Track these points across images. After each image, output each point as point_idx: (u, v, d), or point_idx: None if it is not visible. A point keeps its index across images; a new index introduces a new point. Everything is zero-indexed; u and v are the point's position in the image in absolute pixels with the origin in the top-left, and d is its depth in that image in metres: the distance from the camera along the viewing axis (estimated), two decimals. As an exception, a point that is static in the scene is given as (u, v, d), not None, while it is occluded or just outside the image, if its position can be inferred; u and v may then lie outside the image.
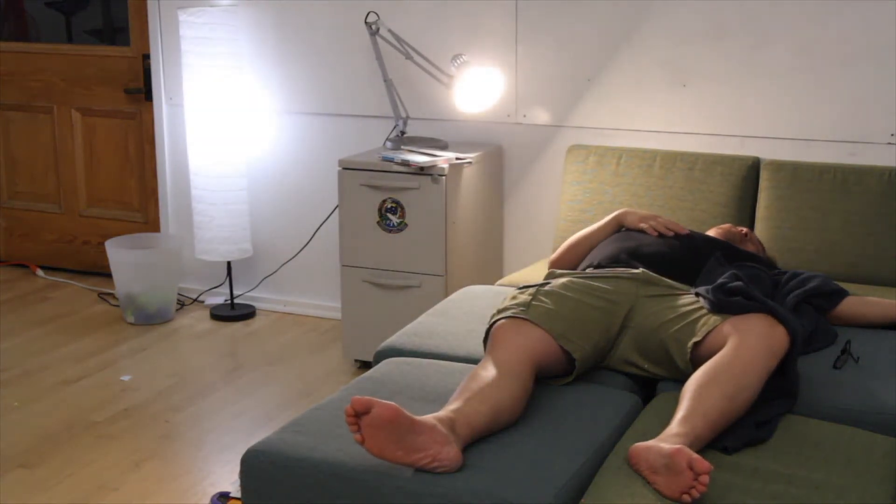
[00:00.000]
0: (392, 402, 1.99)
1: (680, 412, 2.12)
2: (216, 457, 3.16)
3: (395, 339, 2.77)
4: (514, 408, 2.22)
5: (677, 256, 2.75)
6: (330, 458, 2.08)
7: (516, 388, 2.24)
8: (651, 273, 2.61)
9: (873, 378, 2.41)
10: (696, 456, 1.89)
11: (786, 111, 3.53)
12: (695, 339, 2.37)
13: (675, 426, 2.08)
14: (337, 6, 4.06)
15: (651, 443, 2.01)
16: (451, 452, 2.00)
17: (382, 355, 2.71)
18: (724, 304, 2.42)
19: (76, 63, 4.76)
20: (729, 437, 2.14)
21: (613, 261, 2.73)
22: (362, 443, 1.98)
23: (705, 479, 1.86)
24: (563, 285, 2.57)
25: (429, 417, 2.05)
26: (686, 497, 1.87)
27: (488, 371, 2.25)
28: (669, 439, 2.01)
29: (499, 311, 2.50)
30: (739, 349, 2.24)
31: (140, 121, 4.65)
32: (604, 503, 1.91)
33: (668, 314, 2.48)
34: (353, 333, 3.76)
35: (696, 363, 2.32)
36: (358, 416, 1.98)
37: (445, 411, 2.11)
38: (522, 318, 2.43)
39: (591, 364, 2.50)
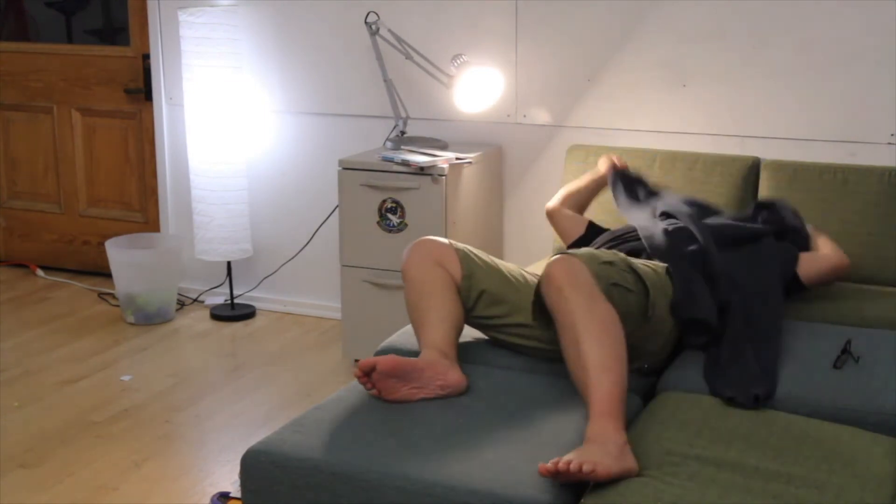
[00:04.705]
0: (391, 355, 2.29)
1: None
2: (216, 457, 3.16)
3: (395, 339, 2.77)
4: (460, 307, 2.52)
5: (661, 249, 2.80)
6: (330, 458, 2.08)
7: (449, 294, 2.49)
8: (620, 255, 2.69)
9: (873, 378, 2.41)
10: (553, 468, 1.92)
11: (786, 111, 3.53)
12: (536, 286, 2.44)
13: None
14: (337, 6, 4.06)
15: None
16: (454, 376, 2.33)
17: (382, 355, 2.70)
18: None
19: (76, 63, 4.77)
20: (732, 388, 2.30)
21: None
22: (378, 394, 2.28)
23: (561, 468, 1.90)
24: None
25: (425, 356, 2.35)
26: (603, 476, 1.92)
27: (423, 296, 2.49)
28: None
29: None
30: (554, 318, 2.27)
31: (140, 121, 4.65)
32: (604, 503, 1.91)
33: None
34: (353, 333, 3.77)
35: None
36: (367, 374, 2.26)
37: (430, 349, 2.38)
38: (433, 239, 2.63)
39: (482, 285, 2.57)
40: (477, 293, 2.56)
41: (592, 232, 3.21)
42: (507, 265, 2.69)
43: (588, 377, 2.13)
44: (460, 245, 2.62)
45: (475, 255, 2.62)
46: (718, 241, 2.85)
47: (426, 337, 2.44)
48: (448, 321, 2.47)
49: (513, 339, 2.61)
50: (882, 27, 3.36)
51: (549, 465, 1.93)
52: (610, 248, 2.90)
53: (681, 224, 2.91)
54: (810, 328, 2.75)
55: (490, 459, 2.05)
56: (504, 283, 2.60)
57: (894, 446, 2.13)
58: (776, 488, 1.92)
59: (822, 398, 2.34)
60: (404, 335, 2.79)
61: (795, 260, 2.92)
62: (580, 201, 3.39)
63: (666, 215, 3.02)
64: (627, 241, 2.93)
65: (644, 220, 3.01)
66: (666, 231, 2.86)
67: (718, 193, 3.43)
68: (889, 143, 3.42)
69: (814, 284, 2.95)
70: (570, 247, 3.20)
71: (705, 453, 2.04)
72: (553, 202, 3.37)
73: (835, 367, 2.47)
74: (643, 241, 2.83)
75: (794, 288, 2.90)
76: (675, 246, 2.78)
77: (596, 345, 2.16)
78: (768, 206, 3.12)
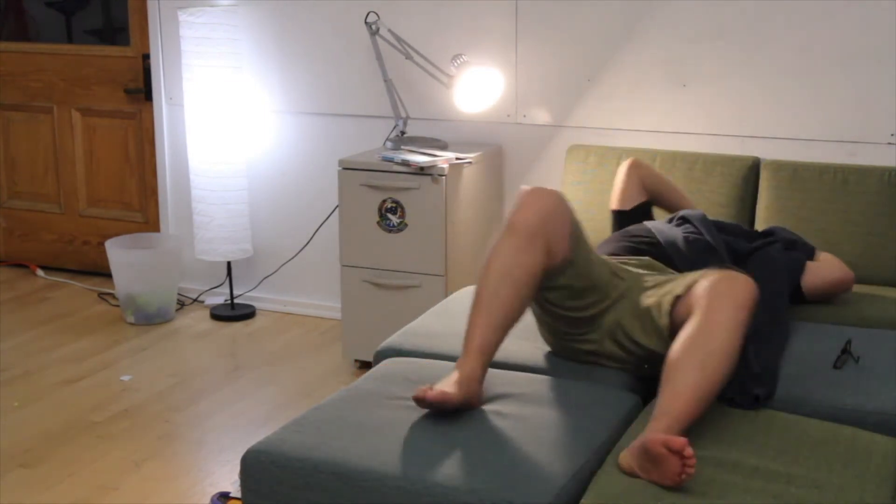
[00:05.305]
0: (454, 396, 2.18)
1: (657, 399, 2.14)
2: (216, 457, 3.16)
3: (394, 339, 2.77)
4: (528, 305, 2.37)
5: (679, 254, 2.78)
6: (330, 458, 2.08)
7: (527, 291, 2.33)
8: (655, 261, 2.65)
9: (873, 378, 2.41)
10: (667, 437, 1.91)
11: (786, 111, 3.53)
12: (677, 293, 2.36)
13: (652, 417, 2.10)
14: (337, 6, 4.06)
15: (632, 444, 2.03)
16: (476, 404, 2.26)
17: (382, 355, 2.71)
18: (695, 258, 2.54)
19: (76, 63, 4.76)
20: (732, 388, 2.25)
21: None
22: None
23: (689, 452, 1.88)
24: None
25: (467, 391, 2.21)
26: (684, 477, 1.89)
27: (503, 280, 2.30)
28: (648, 431, 2.03)
29: None
30: (702, 313, 2.22)
31: (140, 121, 4.65)
32: (604, 503, 1.91)
33: (658, 280, 2.51)
34: (353, 333, 3.76)
35: (676, 322, 2.32)
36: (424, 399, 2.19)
37: (475, 365, 2.24)
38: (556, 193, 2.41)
39: (579, 280, 2.46)
40: (563, 283, 2.44)
41: (639, 213, 3.13)
42: (601, 259, 2.57)
43: (691, 395, 2.10)
44: (579, 228, 2.45)
45: (586, 242, 2.48)
46: (731, 252, 2.86)
47: (477, 340, 2.28)
48: (508, 326, 2.32)
49: (558, 324, 2.55)
50: (882, 27, 3.36)
51: (680, 442, 1.89)
52: (624, 245, 2.86)
53: (698, 234, 2.89)
54: (810, 328, 2.75)
55: (490, 460, 2.05)
56: (591, 283, 2.48)
57: (894, 446, 2.13)
58: (776, 488, 1.92)
59: (822, 398, 2.34)
60: (404, 335, 2.79)
61: (803, 267, 2.93)
62: (658, 192, 3.26)
63: (683, 220, 3.00)
64: (641, 242, 2.89)
65: (660, 224, 2.98)
66: (686, 239, 2.85)
67: (718, 193, 3.43)
68: (889, 143, 3.42)
69: (816, 295, 2.96)
70: (616, 209, 3.19)
71: (705, 453, 2.04)
72: (646, 164, 3.29)
73: (835, 367, 2.47)
74: (664, 245, 2.80)
75: (796, 298, 2.90)
76: (695, 255, 2.78)
77: (720, 376, 2.15)
78: (769, 232, 3.13)
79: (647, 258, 2.66)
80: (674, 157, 3.54)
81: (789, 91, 3.52)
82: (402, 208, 3.60)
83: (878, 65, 3.39)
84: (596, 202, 3.56)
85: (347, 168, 3.68)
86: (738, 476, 1.97)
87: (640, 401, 2.44)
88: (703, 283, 2.30)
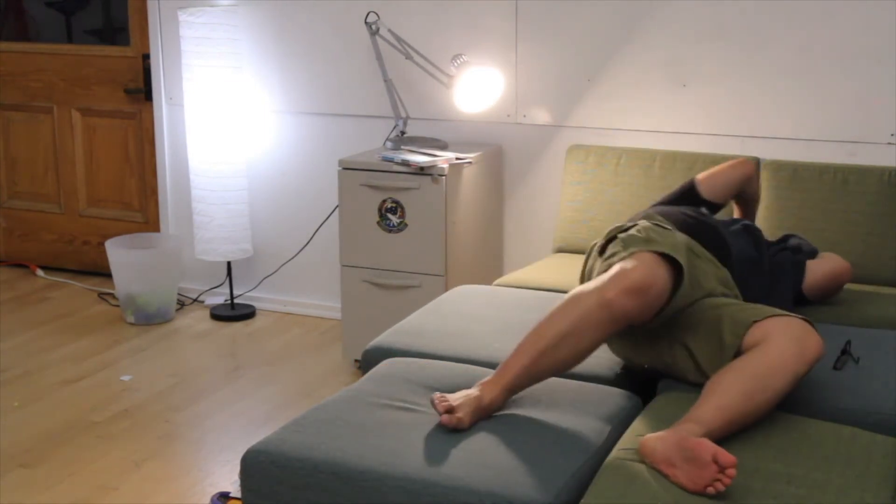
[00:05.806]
0: (466, 425, 2.17)
1: (696, 404, 2.13)
2: (216, 457, 3.17)
3: (383, 339, 2.75)
4: (569, 368, 2.32)
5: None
6: (330, 458, 2.08)
7: (579, 359, 2.30)
8: (730, 278, 2.61)
9: (873, 378, 2.41)
10: (720, 449, 1.91)
11: (786, 111, 3.53)
12: (755, 319, 2.29)
13: (687, 417, 2.08)
14: (337, 6, 4.06)
15: (663, 434, 2.01)
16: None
17: (371, 354, 2.69)
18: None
19: (76, 63, 4.77)
20: None
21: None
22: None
23: (732, 472, 1.88)
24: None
25: (481, 417, 2.20)
26: (710, 489, 1.88)
27: (565, 337, 2.23)
28: (683, 430, 2.02)
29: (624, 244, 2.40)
30: (770, 349, 2.21)
31: (140, 121, 4.65)
32: (604, 503, 1.91)
33: (734, 301, 2.47)
34: (353, 333, 3.76)
35: (742, 347, 2.27)
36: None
37: (498, 398, 2.23)
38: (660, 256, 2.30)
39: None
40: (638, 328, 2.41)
41: (707, 206, 2.98)
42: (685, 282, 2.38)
43: (730, 417, 2.10)
44: (677, 289, 2.34)
45: (676, 299, 2.35)
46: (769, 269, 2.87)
47: (512, 379, 2.25)
48: (547, 377, 2.31)
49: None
50: (882, 27, 3.36)
51: (731, 460, 1.89)
52: (682, 219, 2.74)
53: (753, 256, 2.85)
54: (810, 328, 2.75)
55: (490, 459, 2.05)
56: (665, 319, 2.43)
57: (894, 446, 2.13)
58: (776, 488, 1.92)
59: (822, 399, 2.34)
60: (395, 334, 2.78)
61: (804, 269, 2.93)
62: (745, 202, 3.15)
63: (747, 229, 2.92)
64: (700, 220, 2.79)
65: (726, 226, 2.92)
66: (751, 257, 2.82)
67: (718, 193, 3.43)
68: (889, 143, 3.42)
69: (815, 291, 2.96)
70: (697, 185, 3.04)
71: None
72: (757, 175, 3.17)
73: (834, 367, 2.47)
74: (726, 237, 2.75)
75: (797, 300, 2.91)
76: (744, 271, 2.74)
77: (760, 414, 2.15)
78: (782, 240, 3.11)
79: (725, 271, 2.59)
80: (674, 157, 3.54)
81: (789, 91, 3.52)
82: (402, 208, 3.60)
83: (878, 65, 3.39)
84: (596, 202, 3.56)
85: (347, 168, 3.68)
86: (738, 476, 1.96)
87: (640, 401, 2.44)
88: (783, 321, 2.27)
